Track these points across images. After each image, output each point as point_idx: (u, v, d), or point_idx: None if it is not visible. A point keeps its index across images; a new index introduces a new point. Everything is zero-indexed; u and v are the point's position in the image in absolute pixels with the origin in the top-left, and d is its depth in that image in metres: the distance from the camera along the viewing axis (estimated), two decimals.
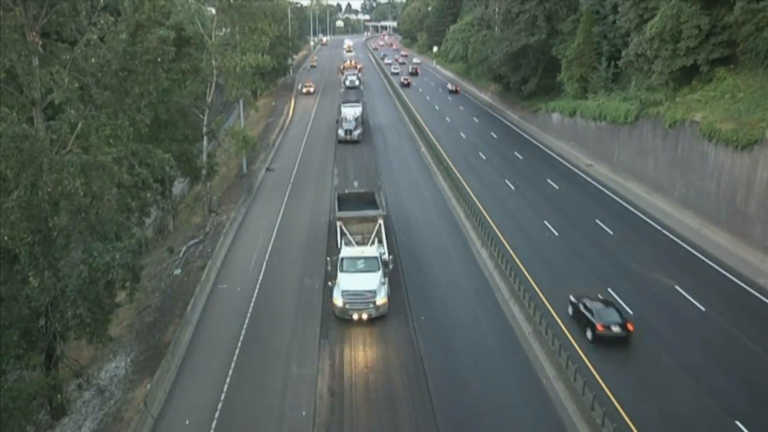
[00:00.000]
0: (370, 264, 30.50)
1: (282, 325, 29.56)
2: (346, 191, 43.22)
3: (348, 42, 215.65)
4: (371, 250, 31.84)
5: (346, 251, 31.74)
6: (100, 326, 24.73)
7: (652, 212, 42.26)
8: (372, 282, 29.40)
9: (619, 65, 53.40)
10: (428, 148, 61.52)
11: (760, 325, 27.88)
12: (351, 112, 69.47)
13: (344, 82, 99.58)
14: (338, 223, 34.81)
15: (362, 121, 70.46)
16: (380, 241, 33.68)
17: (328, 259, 32.33)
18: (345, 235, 34.07)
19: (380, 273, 30.08)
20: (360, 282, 29.35)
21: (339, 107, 75.36)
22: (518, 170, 54.48)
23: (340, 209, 36.88)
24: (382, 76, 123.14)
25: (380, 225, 34.56)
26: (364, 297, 29.03)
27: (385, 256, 31.65)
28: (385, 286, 30.01)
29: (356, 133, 65.56)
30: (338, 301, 29.28)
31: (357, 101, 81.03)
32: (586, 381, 22.72)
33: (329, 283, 30.89)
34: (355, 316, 29.00)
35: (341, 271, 30.33)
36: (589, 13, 59.57)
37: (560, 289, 31.79)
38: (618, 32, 54.97)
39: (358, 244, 33.41)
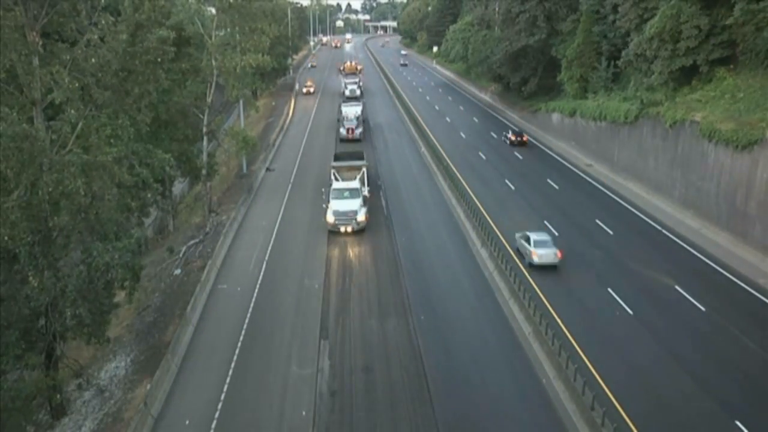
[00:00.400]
0: (353, 193, 41.26)
1: (282, 325, 29.58)
2: (341, 150, 55.52)
3: (348, 36, 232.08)
4: (354, 183, 42.80)
5: (336, 184, 42.72)
6: (98, 327, 24.73)
7: (652, 212, 42.26)
8: (354, 205, 40.26)
9: (619, 65, 53.40)
10: (428, 148, 61.54)
11: (760, 325, 27.88)
12: (352, 111, 70.28)
13: (344, 92, 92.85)
14: (332, 171, 45.57)
15: (363, 119, 71.61)
16: (363, 183, 44.12)
17: (323, 189, 43.18)
18: (337, 179, 44.49)
19: (360, 199, 41.03)
20: (346, 205, 40.17)
21: (339, 106, 76.00)
22: (518, 170, 54.48)
23: (335, 161, 47.93)
24: (381, 76, 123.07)
25: (363, 172, 45.74)
26: (348, 215, 39.76)
27: (365, 192, 42.93)
28: (364, 209, 40.60)
29: (358, 131, 66.90)
30: (330, 218, 39.92)
31: (357, 100, 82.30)
32: (586, 381, 22.72)
33: (323, 206, 41.32)
34: (342, 229, 39.72)
35: (332, 198, 40.81)
36: (589, 13, 59.55)
37: (560, 288, 31.84)
38: (618, 32, 54.97)
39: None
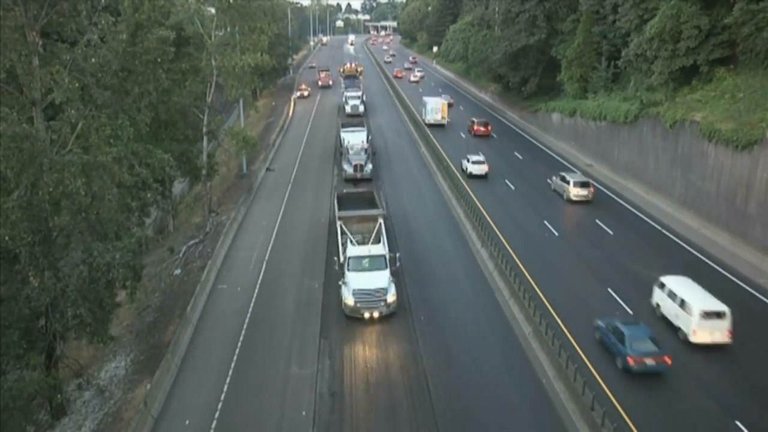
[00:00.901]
0: (377, 262, 30.40)
1: (282, 325, 29.57)
2: (345, 191, 43.00)
3: (351, 37, 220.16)
4: (378, 249, 31.74)
5: (352, 250, 31.47)
6: (100, 326, 24.73)
7: (652, 212, 42.27)
8: (382, 280, 29.53)
9: (619, 65, 53.44)
10: (428, 148, 61.52)
11: (760, 325, 27.88)
12: (357, 138, 55.17)
13: (343, 106, 77.14)
14: (338, 223, 34.57)
15: (372, 151, 55.25)
16: (382, 240, 33.51)
17: (336, 259, 32.53)
18: (345, 234, 33.91)
19: (388, 271, 30.14)
20: (370, 280, 29.39)
21: (338, 132, 60.46)
22: (518, 170, 54.48)
23: (340, 209, 36.46)
24: (382, 77, 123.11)
25: (380, 224, 34.46)
26: (375, 295, 29.16)
27: (390, 254, 31.69)
28: (393, 284, 30.14)
29: (368, 168, 51.27)
30: (349, 300, 29.27)
31: (361, 125, 62.65)
32: (586, 381, 22.72)
33: (339, 282, 30.89)
34: (367, 315, 29.04)
35: (349, 270, 30.24)
36: (589, 13, 59.57)
37: (560, 289, 31.85)
38: (618, 32, 55.01)
39: (359, 243, 33.33)
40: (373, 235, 34.19)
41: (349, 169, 50.92)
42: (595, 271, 33.94)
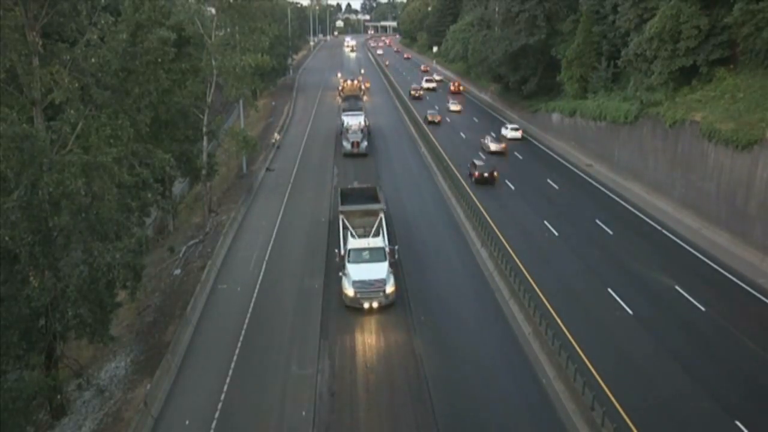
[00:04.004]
0: (377, 254, 31.36)
1: (282, 325, 29.57)
2: (348, 186, 44.02)
3: (350, 42, 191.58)
4: (377, 241, 32.74)
5: (353, 243, 32.52)
6: (101, 326, 24.74)
7: (652, 212, 42.28)
8: (381, 271, 30.38)
9: (619, 65, 53.43)
10: (428, 148, 61.54)
11: (760, 325, 27.88)
12: (354, 121, 62.13)
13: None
14: (341, 217, 35.49)
15: (368, 131, 63.64)
16: (382, 234, 34.28)
17: (337, 251, 33.30)
18: (347, 228, 34.73)
19: (387, 263, 31.03)
20: (369, 272, 30.24)
21: (340, 116, 66.79)
22: (518, 170, 54.47)
23: (342, 203, 37.26)
24: (381, 74, 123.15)
25: (381, 218, 35.33)
26: (374, 286, 29.93)
27: (389, 247, 32.66)
28: (392, 275, 30.99)
29: (363, 144, 59.85)
30: (349, 291, 30.11)
31: (359, 109, 68.82)
32: (586, 381, 22.72)
33: (339, 274, 31.67)
34: (366, 305, 29.79)
35: (349, 262, 31.18)
36: (589, 13, 59.58)
37: (560, 289, 31.84)
38: (618, 32, 54.99)
39: (360, 236, 34.04)
40: (374, 228, 34.91)
41: (347, 146, 59.16)
42: (596, 271, 33.93)
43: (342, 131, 62.82)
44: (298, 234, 41.04)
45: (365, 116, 65.57)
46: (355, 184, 46.34)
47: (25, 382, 22.26)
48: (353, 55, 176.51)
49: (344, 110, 68.12)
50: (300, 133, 72.96)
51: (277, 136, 66.96)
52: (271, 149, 64.01)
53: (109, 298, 25.34)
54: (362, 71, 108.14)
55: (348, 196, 38.96)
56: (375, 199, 37.99)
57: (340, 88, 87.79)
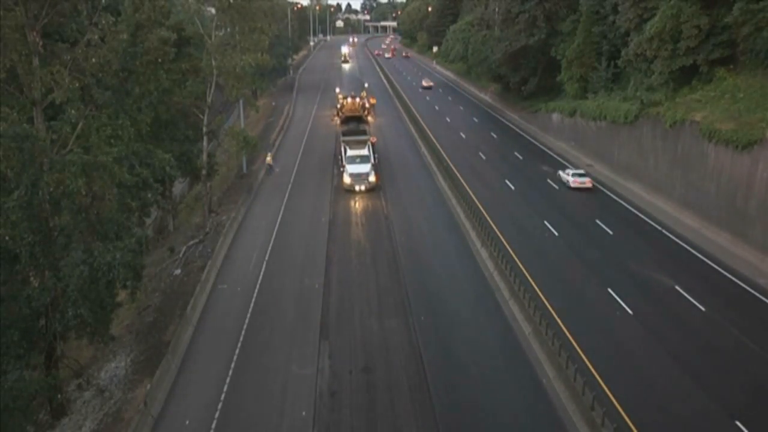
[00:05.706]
0: (364, 159, 49.54)
1: (282, 325, 29.59)
2: (346, 127, 64.28)
3: (344, 50, 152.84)
4: (365, 151, 50.67)
5: (350, 152, 50.35)
6: (101, 326, 24.75)
7: (652, 212, 42.26)
8: (366, 168, 48.74)
9: (619, 65, 53.40)
10: (428, 148, 61.54)
11: (760, 325, 27.88)
12: (361, 169, 49.03)
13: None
14: (343, 144, 52.20)
15: (378, 160, 53.03)
16: (371, 152, 51.19)
17: (340, 156, 51.92)
18: (346, 149, 51.13)
19: (370, 165, 49.37)
20: (359, 168, 48.53)
21: (339, 144, 55.19)
22: (518, 170, 54.48)
23: (344, 136, 55.12)
24: (380, 74, 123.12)
25: (368, 143, 52.61)
26: (362, 177, 48.10)
27: (374, 160, 50.70)
28: (374, 171, 48.96)
29: (371, 179, 48.90)
30: (347, 179, 48.57)
31: (363, 133, 57.43)
32: (586, 381, 22.73)
33: (341, 169, 50.58)
34: (356, 188, 48.17)
35: (347, 163, 49.19)
36: (589, 13, 59.53)
37: (560, 289, 31.84)
38: (618, 32, 54.93)
39: (354, 149, 51.15)
40: (366, 146, 51.54)
41: (348, 180, 48.63)
42: (596, 271, 33.93)
43: (340, 163, 52.06)
44: (299, 234, 41.05)
45: (372, 150, 52.12)
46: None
47: (25, 381, 22.28)
48: (347, 66, 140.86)
49: (344, 134, 56.42)
50: (300, 133, 72.94)
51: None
52: (270, 149, 63.93)
53: (110, 298, 25.35)
54: (366, 85, 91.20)
55: (347, 133, 57.19)
56: (365, 133, 57.18)
57: (338, 106, 73.49)
